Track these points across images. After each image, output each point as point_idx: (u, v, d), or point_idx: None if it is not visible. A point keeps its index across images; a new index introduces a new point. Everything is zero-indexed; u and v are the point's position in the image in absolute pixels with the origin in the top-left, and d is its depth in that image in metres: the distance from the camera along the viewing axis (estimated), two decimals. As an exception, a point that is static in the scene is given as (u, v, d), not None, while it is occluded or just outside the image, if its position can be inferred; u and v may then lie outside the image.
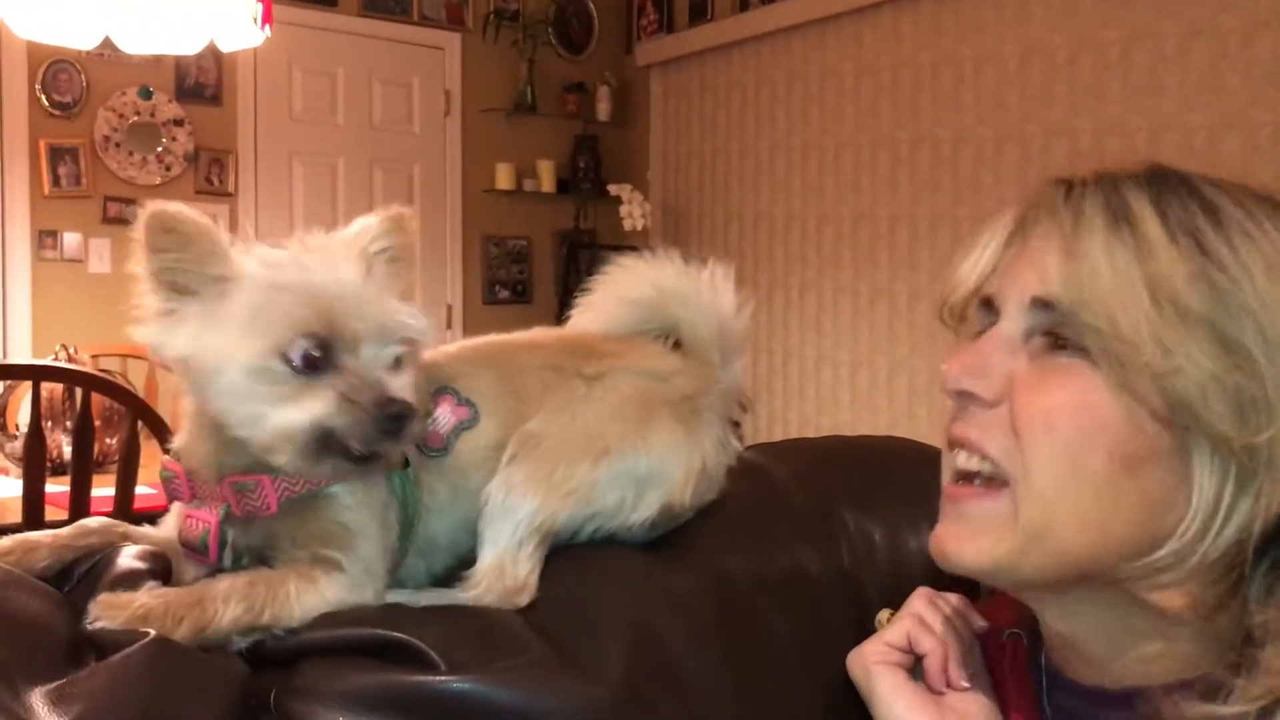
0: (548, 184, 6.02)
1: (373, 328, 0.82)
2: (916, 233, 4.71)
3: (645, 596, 0.91)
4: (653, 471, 0.93)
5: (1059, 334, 0.73)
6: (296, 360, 0.80)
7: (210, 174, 5.21)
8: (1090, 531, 0.72)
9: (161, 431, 2.55)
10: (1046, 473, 0.72)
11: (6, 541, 0.87)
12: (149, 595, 0.81)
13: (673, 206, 6.06)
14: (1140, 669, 0.76)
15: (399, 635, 0.82)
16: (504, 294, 6.08)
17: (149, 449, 2.63)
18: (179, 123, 5.13)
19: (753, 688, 0.91)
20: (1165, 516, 0.70)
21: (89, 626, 0.79)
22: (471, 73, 5.91)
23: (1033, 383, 0.74)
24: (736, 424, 1.07)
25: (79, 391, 2.58)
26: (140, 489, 2.58)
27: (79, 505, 2.44)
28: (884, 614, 0.91)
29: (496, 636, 0.84)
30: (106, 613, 0.78)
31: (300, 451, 0.80)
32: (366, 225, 0.90)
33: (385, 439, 0.81)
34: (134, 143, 5.04)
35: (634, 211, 5.75)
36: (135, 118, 5.04)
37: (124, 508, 2.48)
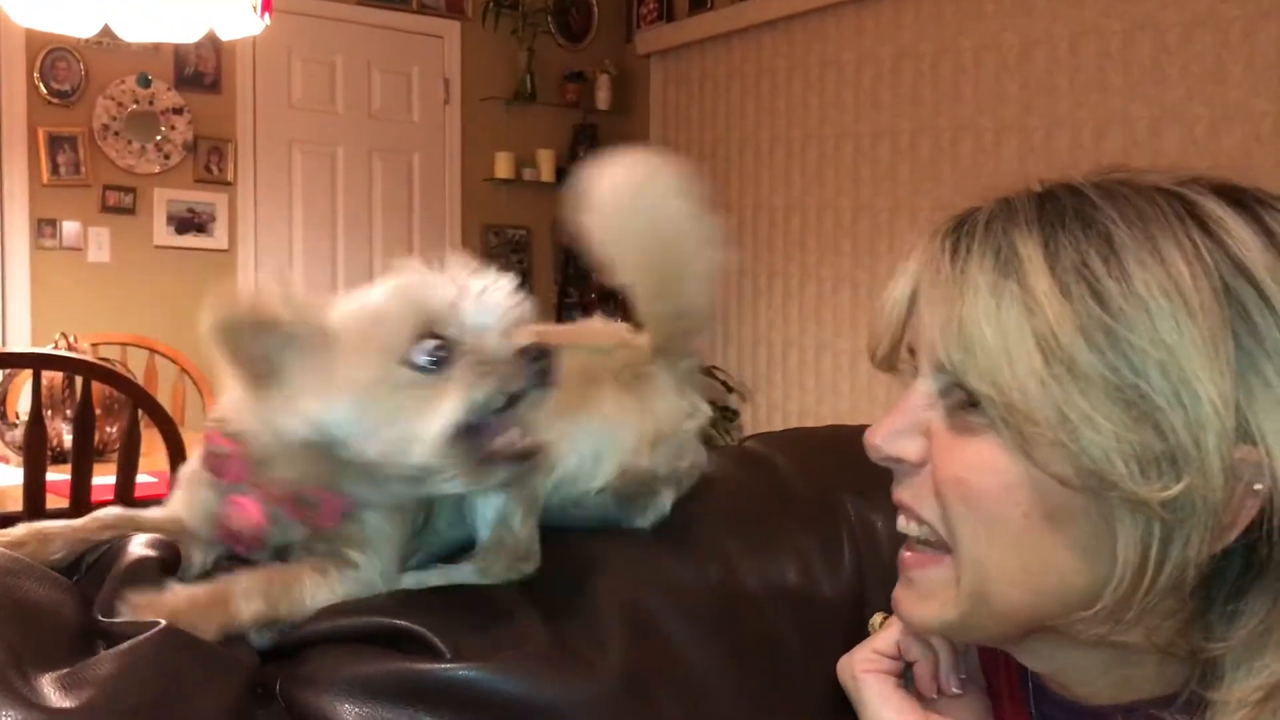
0: (547, 173, 6.01)
1: (479, 310, 0.82)
2: (917, 223, 4.71)
3: (646, 587, 0.92)
4: (604, 437, 0.96)
5: (968, 391, 0.70)
6: (422, 362, 0.79)
7: (209, 162, 5.20)
8: (1024, 591, 0.71)
9: (162, 420, 2.55)
10: (971, 538, 0.71)
11: (20, 531, 0.87)
12: (175, 594, 0.81)
13: (672, 196, 6.05)
14: (1118, 690, 0.76)
15: (405, 624, 0.82)
16: (503, 283, 6.07)
17: (149, 437, 2.63)
18: (178, 111, 5.12)
19: (754, 680, 0.91)
20: (1098, 563, 0.68)
21: (102, 619, 0.79)
22: (471, 61, 5.90)
23: (946, 446, 0.72)
24: (734, 411, 1.08)
25: (79, 380, 2.58)
26: (141, 477, 2.59)
27: (79, 494, 2.44)
28: (877, 617, 0.90)
29: (501, 625, 0.85)
30: (134, 612, 0.79)
31: (456, 456, 0.79)
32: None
33: (538, 384, 0.80)
34: (133, 131, 5.03)
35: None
36: (134, 106, 5.03)
37: (125, 496, 2.48)
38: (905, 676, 0.85)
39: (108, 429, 3.03)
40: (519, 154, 5.96)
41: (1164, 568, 0.66)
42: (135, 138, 5.03)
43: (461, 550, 0.95)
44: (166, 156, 5.10)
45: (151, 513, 0.94)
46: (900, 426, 0.75)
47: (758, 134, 5.52)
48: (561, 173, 6.04)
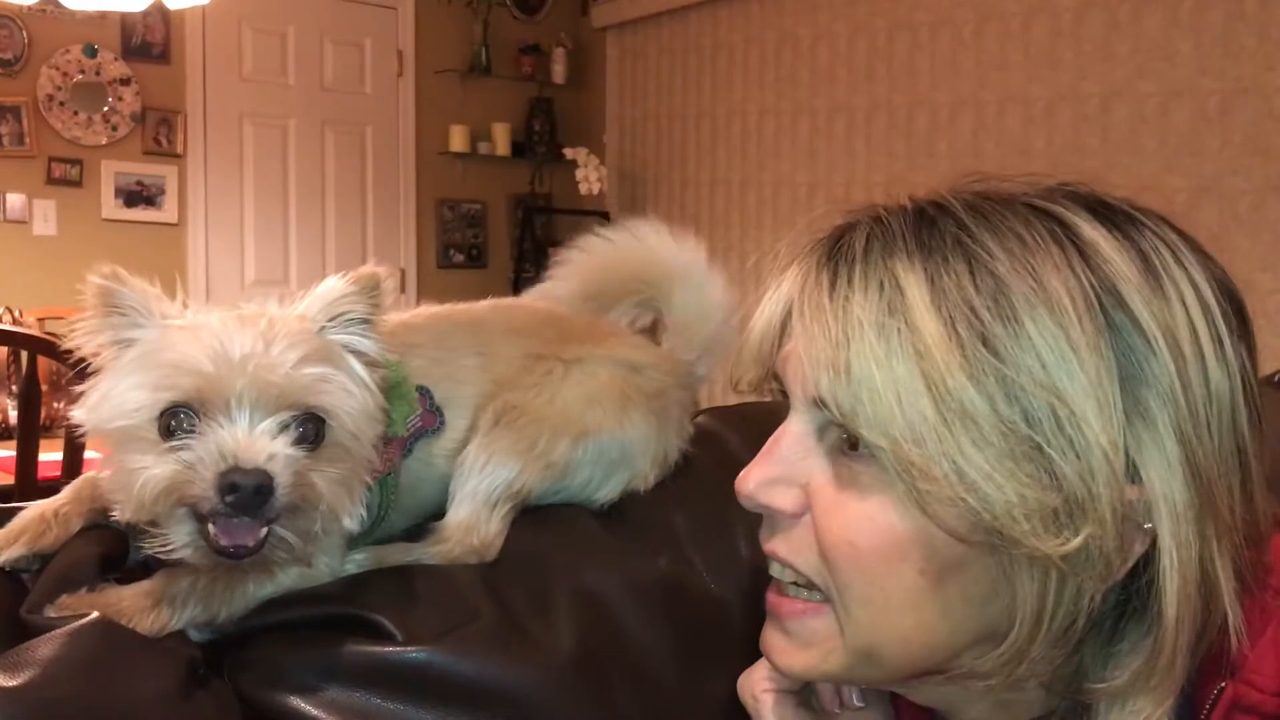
0: (502, 147, 5.97)
1: (254, 394, 0.76)
2: (872, 199, 4.71)
3: (595, 568, 0.93)
4: (623, 458, 0.98)
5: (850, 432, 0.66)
6: (162, 425, 0.77)
7: (158, 134, 5.11)
8: (916, 646, 0.68)
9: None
10: (859, 596, 0.67)
11: (13, 527, 0.86)
12: (105, 598, 0.80)
13: (629, 171, 6.04)
14: (1003, 715, 0.75)
15: (355, 610, 0.82)
16: (459, 258, 6.04)
17: (98, 414, 2.59)
18: (125, 82, 5.02)
19: (700, 659, 0.92)
20: (994, 614, 0.66)
21: (27, 616, 0.78)
22: (425, 33, 5.83)
23: (830, 497, 0.68)
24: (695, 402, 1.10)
25: (24, 355, 2.54)
26: (89, 453, 2.55)
27: (26, 470, 2.41)
28: None
29: (453, 608, 0.85)
30: (60, 615, 0.77)
31: (150, 512, 0.76)
32: (330, 289, 0.85)
33: (230, 511, 0.74)
34: (79, 102, 4.93)
35: (590, 175, 5.72)
36: (80, 76, 4.93)
37: (72, 472, 2.45)
38: (808, 691, 0.82)
39: (54, 404, 2.98)
40: (474, 127, 5.91)
41: (1059, 616, 0.64)
42: (81, 108, 4.93)
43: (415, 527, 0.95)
44: (114, 128, 5.01)
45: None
46: (774, 475, 0.71)
47: (714, 109, 5.52)
48: (517, 146, 6.00)
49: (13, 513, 0.88)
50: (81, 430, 0.81)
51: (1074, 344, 0.62)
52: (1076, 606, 0.64)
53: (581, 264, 1.08)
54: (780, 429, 0.72)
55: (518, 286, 5.95)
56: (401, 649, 0.80)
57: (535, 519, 0.96)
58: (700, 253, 1.04)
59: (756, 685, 0.82)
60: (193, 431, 0.76)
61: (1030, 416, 0.61)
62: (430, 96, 5.86)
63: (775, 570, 0.73)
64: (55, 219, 4.89)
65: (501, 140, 5.96)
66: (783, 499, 0.70)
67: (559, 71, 6.14)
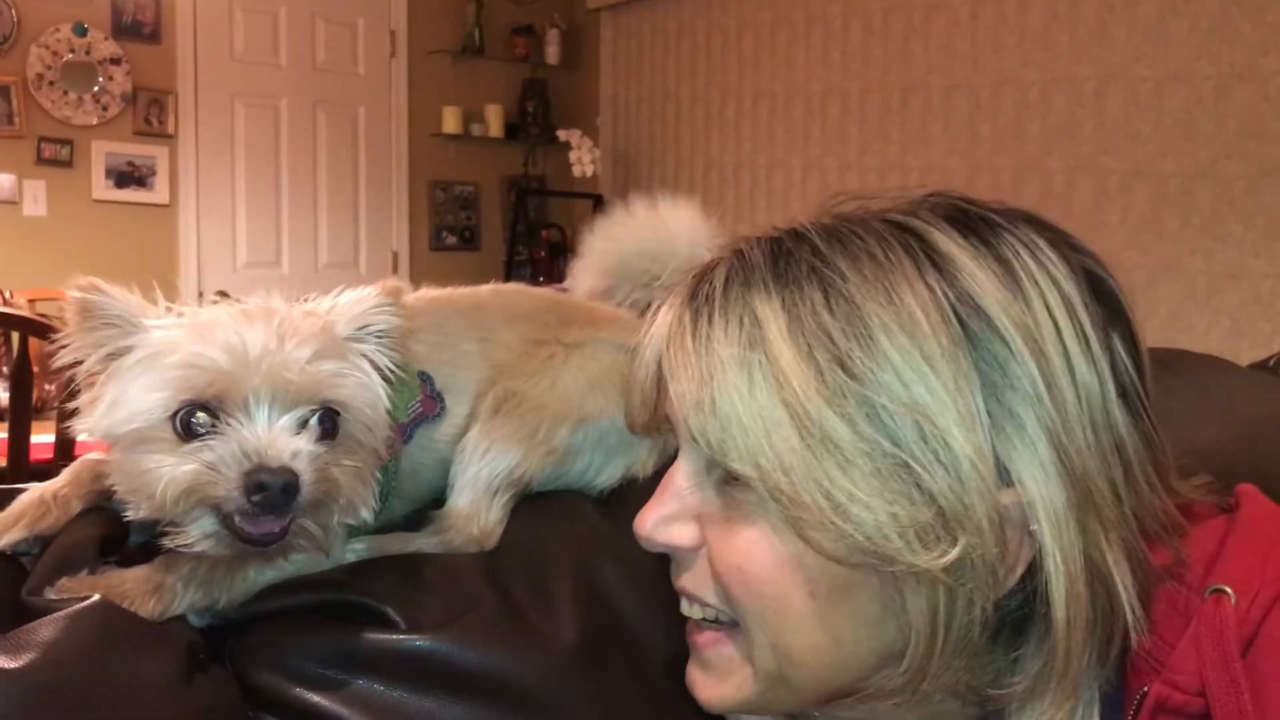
0: (496, 128, 5.95)
1: (271, 391, 0.76)
2: (866, 182, 4.72)
3: (595, 556, 0.92)
4: (623, 444, 0.98)
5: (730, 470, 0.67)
6: (178, 425, 0.76)
7: (149, 115, 5.08)
8: (820, 668, 0.69)
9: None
10: (758, 622, 0.69)
11: (12, 510, 0.86)
12: (106, 581, 0.79)
13: (622, 153, 6.02)
14: None
15: (357, 597, 0.82)
16: (451, 240, 6.02)
17: (90, 396, 2.58)
18: (116, 61, 4.99)
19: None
20: (891, 631, 0.66)
21: (27, 598, 0.78)
22: (417, 13, 5.80)
23: (720, 533, 0.69)
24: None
25: (16, 336, 2.52)
26: (81, 435, 2.54)
27: (18, 452, 2.40)
28: None
29: (455, 597, 0.85)
30: (60, 597, 0.77)
31: (170, 512, 0.76)
32: (359, 299, 0.85)
33: (257, 509, 0.74)
34: (69, 81, 4.89)
35: (583, 157, 5.70)
36: (70, 55, 4.89)
37: (65, 454, 2.44)
38: None
39: (46, 386, 2.97)
40: (467, 109, 5.89)
41: (953, 628, 0.64)
42: (71, 88, 4.90)
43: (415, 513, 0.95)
44: (104, 108, 4.98)
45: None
46: (669, 513, 0.72)
47: (708, 91, 5.50)
48: (510, 128, 5.98)
49: (11, 495, 0.87)
50: (83, 432, 0.80)
51: (930, 358, 0.62)
52: (969, 617, 0.64)
53: (601, 248, 1.07)
54: (671, 468, 0.73)
55: (510, 268, 5.94)
56: (404, 637, 0.80)
57: (535, 507, 0.96)
58: (710, 230, 1.03)
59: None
60: (211, 430, 0.75)
61: (894, 435, 0.62)
62: (423, 77, 5.83)
63: (684, 607, 0.75)
64: (45, 200, 4.87)
65: (495, 122, 5.94)
66: (679, 535, 0.72)
67: (552, 53, 6.11)
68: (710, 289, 0.69)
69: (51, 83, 4.85)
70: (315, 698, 0.78)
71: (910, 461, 0.62)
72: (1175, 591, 0.67)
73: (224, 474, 0.74)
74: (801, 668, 0.69)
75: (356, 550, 0.89)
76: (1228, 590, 0.64)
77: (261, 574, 0.84)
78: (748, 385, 0.64)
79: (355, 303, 0.84)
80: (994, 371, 0.63)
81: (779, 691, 0.71)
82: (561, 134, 5.84)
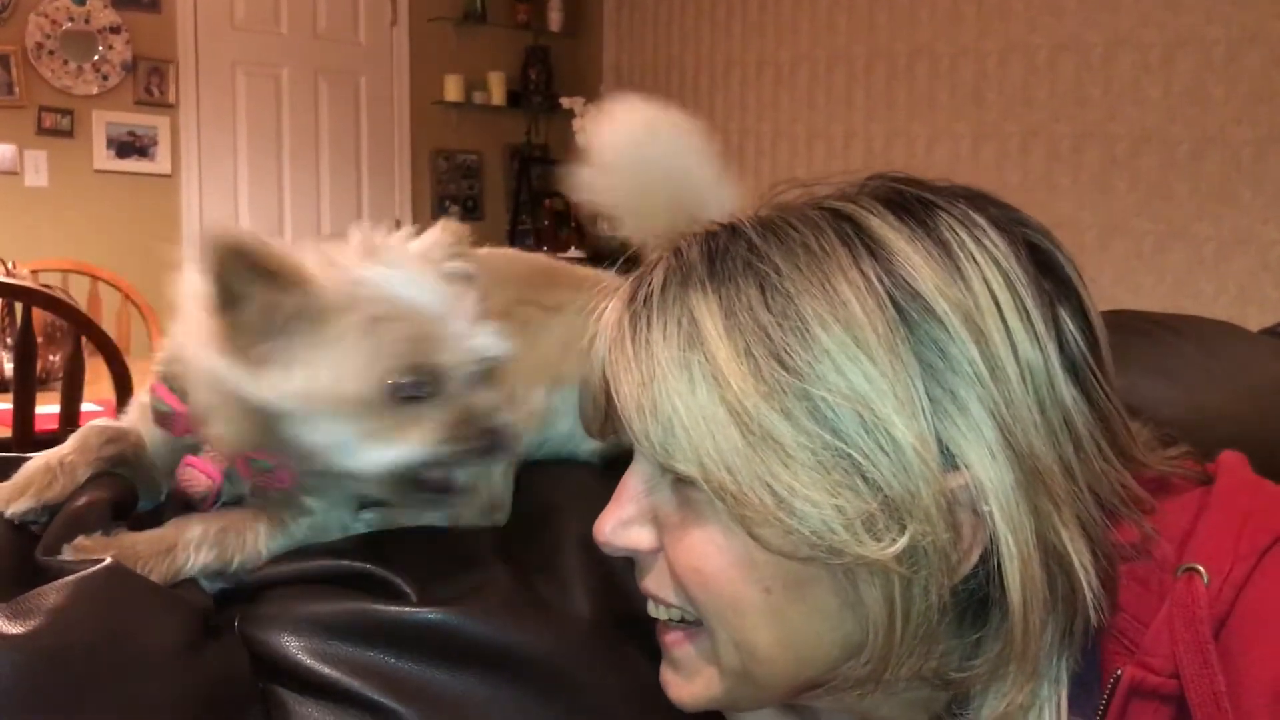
0: (498, 96, 5.91)
1: (465, 353, 0.79)
2: (872, 149, 4.69)
3: None
4: None
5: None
6: (402, 394, 0.77)
7: (150, 84, 5.05)
8: (785, 662, 0.69)
9: (106, 347, 2.50)
10: (719, 620, 0.69)
11: (19, 479, 0.85)
12: (119, 542, 0.79)
13: (626, 121, 5.98)
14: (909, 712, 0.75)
15: (368, 566, 0.82)
16: (454, 209, 5.99)
17: (94, 365, 2.58)
18: (115, 30, 4.95)
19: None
20: (850, 622, 0.66)
21: (42, 557, 0.77)
22: (419, -20, 5.76)
23: (675, 532, 0.69)
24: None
25: (19, 307, 2.52)
26: (86, 405, 2.54)
27: (23, 422, 2.40)
28: None
29: (467, 570, 0.84)
30: (77, 556, 0.77)
31: (393, 488, 0.79)
32: (434, 240, 0.85)
33: (484, 463, 0.80)
34: (69, 50, 4.86)
35: (587, 125, 5.67)
36: (69, 24, 4.86)
37: (70, 425, 2.44)
38: None
39: (50, 357, 2.97)
40: (469, 76, 5.85)
41: (911, 616, 0.64)
42: (71, 57, 4.87)
43: None
44: (105, 77, 4.95)
45: (125, 424, 0.92)
46: (627, 516, 0.72)
47: (712, 57, 5.46)
48: (513, 96, 5.94)
49: (16, 462, 0.87)
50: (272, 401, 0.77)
51: (866, 347, 0.62)
52: (926, 604, 0.63)
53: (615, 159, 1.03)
54: (627, 472, 0.73)
55: (514, 238, 5.92)
56: (416, 609, 0.80)
57: (541, 481, 0.95)
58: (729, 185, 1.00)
59: None
60: (422, 395, 0.77)
61: (835, 427, 0.62)
62: (424, 45, 5.79)
63: (651, 609, 0.75)
64: (46, 170, 4.85)
65: (497, 90, 5.90)
66: (638, 538, 0.72)
67: (555, 19, 6.06)
68: (649, 290, 0.69)
69: (51, 52, 4.82)
70: (325, 668, 0.78)
71: (852, 453, 0.61)
72: (1148, 571, 0.66)
73: (456, 441, 0.77)
74: (765, 664, 0.69)
75: (366, 520, 0.89)
76: (1200, 569, 0.63)
77: (273, 539, 0.84)
78: (688, 386, 0.64)
79: (434, 246, 0.84)
80: (933, 355, 0.63)
81: (746, 688, 0.71)
82: (565, 102, 5.80)
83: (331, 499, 0.86)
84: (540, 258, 1.06)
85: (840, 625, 0.67)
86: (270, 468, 0.83)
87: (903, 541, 0.61)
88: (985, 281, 0.64)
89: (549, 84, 6.01)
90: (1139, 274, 3.92)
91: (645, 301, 0.68)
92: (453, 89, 5.80)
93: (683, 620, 0.72)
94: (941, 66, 4.45)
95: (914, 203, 0.67)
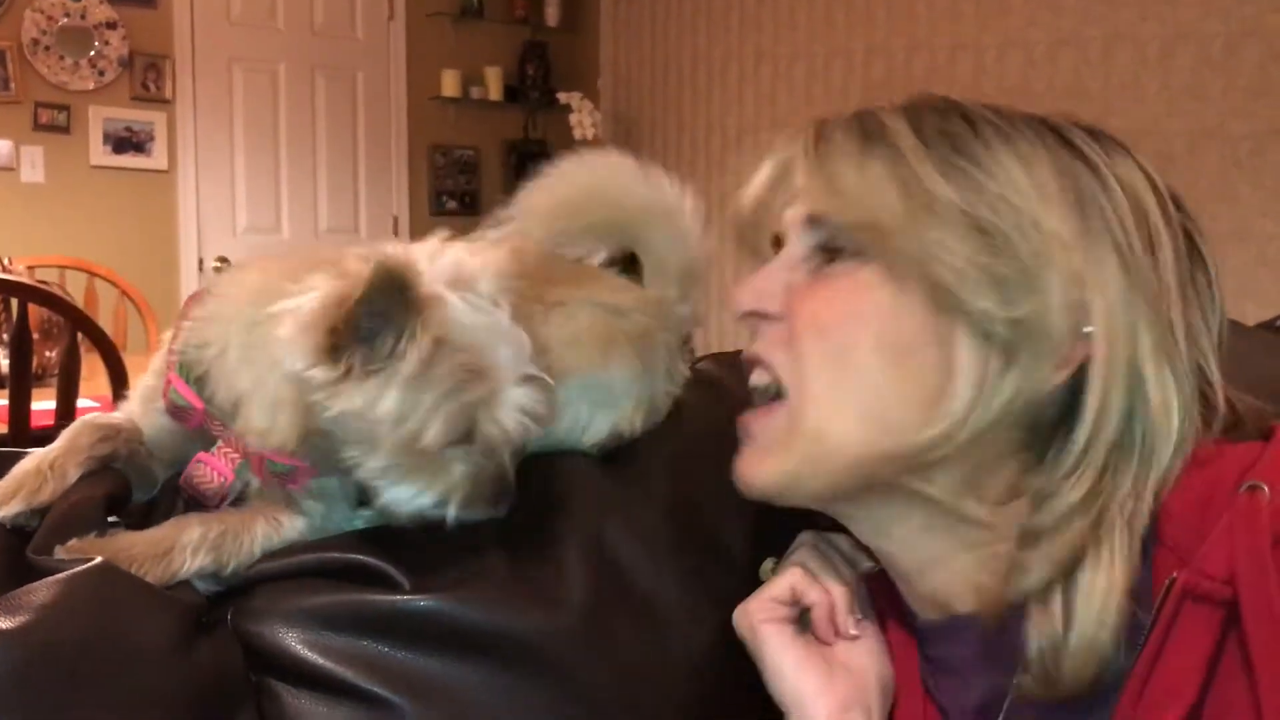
0: (495, 91, 5.90)
1: (519, 425, 0.81)
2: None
3: (603, 518, 0.91)
4: (607, 398, 0.96)
5: (832, 246, 0.76)
6: (453, 445, 0.79)
7: (146, 80, 5.04)
8: (863, 427, 0.73)
9: (103, 343, 2.49)
10: (818, 374, 0.74)
11: (9, 482, 0.84)
12: (116, 543, 0.78)
13: (624, 116, 5.98)
14: (963, 585, 0.77)
15: (361, 558, 0.81)
16: (451, 205, 5.99)
17: (90, 361, 2.58)
18: (111, 25, 4.94)
19: (710, 607, 0.91)
20: (938, 404, 0.71)
21: (34, 556, 0.77)
22: (416, -25, 5.74)
23: (806, 291, 0.76)
24: (687, 341, 1.08)
25: (15, 303, 2.51)
26: (82, 401, 2.54)
27: (19, 419, 2.40)
28: (768, 563, 0.89)
29: (461, 559, 0.84)
30: (70, 557, 0.76)
31: (404, 516, 0.80)
32: (497, 266, 0.86)
33: (484, 514, 0.81)
34: (65, 46, 4.85)
35: (584, 120, 5.66)
36: (65, 20, 4.84)
37: (66, 421, 2.44)
38: (803, 621, 0.84)
39: (46, 353, 2.97)
40: (466, 71, 5.83)
41: (998, 393, 0.70)
42: (67, 53, 4.86)
43: None
44: (101, 73, 4.94)
45: (128, 422, 0.91)
46: (764, 286, 0.78)
47: (710, 52, 5.45)
48: (510, 91, 5.93)
49: (12, 458, 0.86)
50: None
51: (1029, 162, 0.72)
52: (1016, 388, 0.70)
53: (544, 207, 1.04)
54: (772, 260, 0.80)
55: (512, 234, 5.91)
56: (409, 598, 0.80)
57: (538, 471, 0.95)
58: (667, 186, 1.01)
59: (755, 615, 0.84)
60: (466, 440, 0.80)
61: (991, 205, 0.71)
62: (422, 40, 5.77)
63: (752, 377, 0.80)
64: (43, 166, 4.84)
65: (494, 84, 5.89)
66: (769, 303, 0.78)
67: (552, 14, 6.05)
68: (837, 116, 0.79)
69: (47, 48, 4.81)
70: (319, 659, 0.77)
71: (1000, 224, 0.70)
72: (1209, 489, 0.68)
73: (477, 497, 0.80)
74: (844, 423, 0.74)
75: (365, 517, 0.88)
76: (1263, 486, 0.65)
77: (269, 540, 0.84)
78: (862, 158, 0.74)
79: (499, 275, 0.86)
80: (1086, 190, 0.72)
81: (819, 462, 0.75)
82: (562, 97, 5.80)
83: (332, 501, 0.86)
84: (535, 250, 1.05)
85: (930, 398, 0.71)
86: (288, 470, 0.83)
87: (1024, 308, 0.69)
88: (1132, 169, 0.74)
89: (546, 79, 6.00)
90: (1137, 269, 3.90)
91: (833, 122, 0.79)
92: (450, 84, 5.79)
93: (776, 394, 0.77)
94: (939, 61, 4.44)
95: (1101, 133, 0.77)
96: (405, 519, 0.80)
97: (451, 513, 0.80)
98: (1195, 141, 3.76)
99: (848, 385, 0.73)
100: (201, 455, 0.85)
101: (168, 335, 0.88)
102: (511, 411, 0.80)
